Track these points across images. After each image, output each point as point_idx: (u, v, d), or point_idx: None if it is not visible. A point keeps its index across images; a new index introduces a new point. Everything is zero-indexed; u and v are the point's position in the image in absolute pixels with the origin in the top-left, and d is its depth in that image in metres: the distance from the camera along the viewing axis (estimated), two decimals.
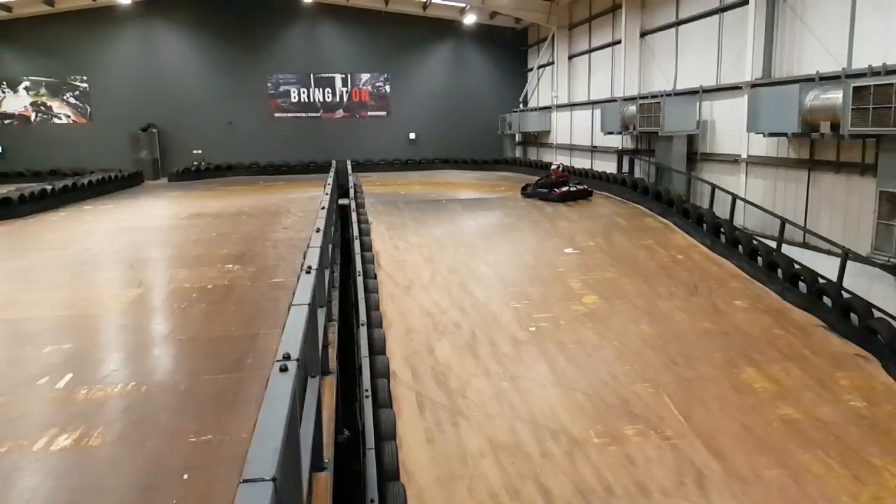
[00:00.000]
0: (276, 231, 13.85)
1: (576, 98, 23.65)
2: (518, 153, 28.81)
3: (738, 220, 12.77)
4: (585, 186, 17.79)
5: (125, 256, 11.78)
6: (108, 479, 4.19)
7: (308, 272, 4.43)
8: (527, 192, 18.23)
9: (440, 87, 29.27)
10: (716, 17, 15.01)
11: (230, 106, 27.85)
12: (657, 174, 16.57)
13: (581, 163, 22.17)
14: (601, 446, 5.79)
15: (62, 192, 18.99)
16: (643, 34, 18.53)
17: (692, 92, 15.52)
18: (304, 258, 8.24)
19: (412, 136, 29.53)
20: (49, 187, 18.54)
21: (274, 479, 1.85)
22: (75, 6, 26.08)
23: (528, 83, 28.18)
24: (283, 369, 2.55)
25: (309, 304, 3.72)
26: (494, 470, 5.47)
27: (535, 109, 26.62)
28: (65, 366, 6.27)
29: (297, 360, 2.67)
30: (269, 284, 9.44)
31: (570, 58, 24.08)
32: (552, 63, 25.13)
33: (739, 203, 12.58)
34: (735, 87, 13.92)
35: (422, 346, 8.05)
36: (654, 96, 16.58)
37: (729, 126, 14.36)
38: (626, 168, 19.06)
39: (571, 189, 17.33)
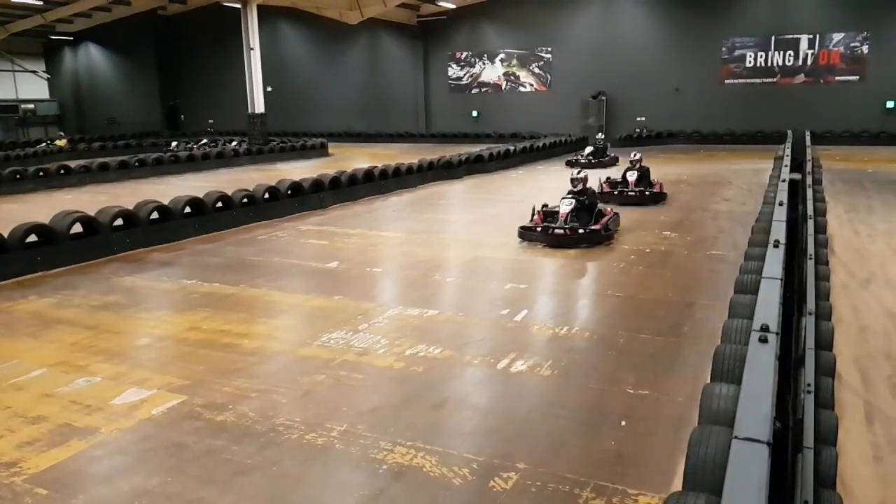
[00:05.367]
0: (716, 202, 13.40)
1: None
2: None
3: None
4: None
5: None
6: (555, 406, 4.71)
7: (776, 246, 4.15)
8: None
9: None
10: None
11: (678, 72, 27.53)
12: None
13: None
14: None
15: (521, 153, 21.91)
16: None
17: None
18: (752, 232, 7.80)
19: (889, 104, 24.75)
20: (511, 148, 21.57)
21: (769, 444, 1.83)
22: None
23: None
24: (763, 340, 2.47)
25: (781, 280, 3.49)
26: None
27: None
28: (521, 302, 7.24)
29: (777, 333, 2.55)
30: (707, 256, 9.25)
31: None
32: None
33: None
34: None
35: (878, 350, 6.85)
36: None
37: None
38: None
39: None
